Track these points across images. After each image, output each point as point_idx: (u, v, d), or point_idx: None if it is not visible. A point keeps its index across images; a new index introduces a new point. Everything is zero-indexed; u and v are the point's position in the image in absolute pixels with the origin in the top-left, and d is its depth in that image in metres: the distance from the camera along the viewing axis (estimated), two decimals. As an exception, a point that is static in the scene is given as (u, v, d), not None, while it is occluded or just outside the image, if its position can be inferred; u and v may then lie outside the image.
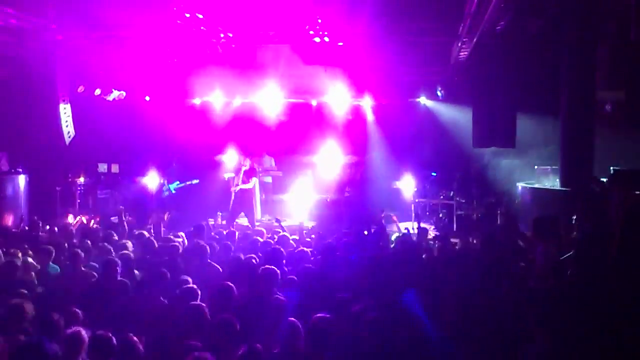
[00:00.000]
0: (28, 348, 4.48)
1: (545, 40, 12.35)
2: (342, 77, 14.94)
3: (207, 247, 8.12)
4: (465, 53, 12.74)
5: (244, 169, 13.92)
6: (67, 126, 14.22)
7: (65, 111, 14.11)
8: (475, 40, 11.65)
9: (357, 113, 16.91)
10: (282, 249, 8.10)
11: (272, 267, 6.55)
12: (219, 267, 7.72)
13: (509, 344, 4.92)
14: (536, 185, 12.83)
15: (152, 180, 15.83)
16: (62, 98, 14.04)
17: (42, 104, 13.89)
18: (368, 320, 5.19)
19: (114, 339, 4.80)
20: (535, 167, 13.78)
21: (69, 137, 14.30)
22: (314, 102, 16.74)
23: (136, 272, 7.61)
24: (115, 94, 15.53)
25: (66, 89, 14.35)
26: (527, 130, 13.54)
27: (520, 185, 13.26)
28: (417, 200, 15.01)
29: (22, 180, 13.40)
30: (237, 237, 10.17)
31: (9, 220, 12.94)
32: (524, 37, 12.22)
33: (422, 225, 13.00)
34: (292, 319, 5.27)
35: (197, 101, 17.05)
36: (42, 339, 4.51)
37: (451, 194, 14.62)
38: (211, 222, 13.54)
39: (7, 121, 13.92)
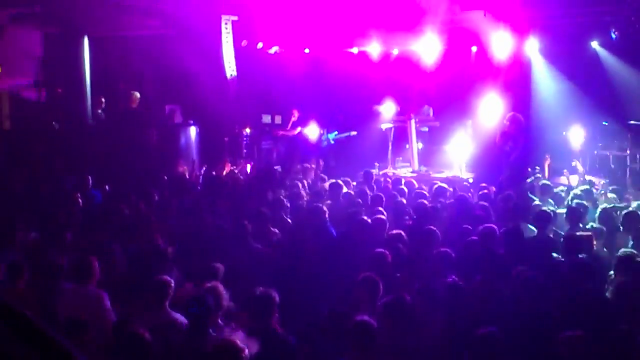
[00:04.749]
0: None
1: None
2: (504, 22, 14.11)
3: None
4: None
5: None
6: (229, 67, 14.97)
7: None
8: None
9: (519, 60, 15.87)
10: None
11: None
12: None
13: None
14: None
15: (312, 130, 16.24)
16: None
17: (209, 59, 14.71)
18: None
19: None
20: None
21: (231, 75, 15.05)
22: (473, 49, 16.00)
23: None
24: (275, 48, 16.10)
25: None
26: None
27: None
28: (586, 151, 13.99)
29: (193, 131, 14.37)
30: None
31: (182, 167, 13.99)
32: None
33: (589, 178, 12.21)
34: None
35: (354, 50, 17.03)
36: None
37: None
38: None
39: (179, 76, 14.95)
